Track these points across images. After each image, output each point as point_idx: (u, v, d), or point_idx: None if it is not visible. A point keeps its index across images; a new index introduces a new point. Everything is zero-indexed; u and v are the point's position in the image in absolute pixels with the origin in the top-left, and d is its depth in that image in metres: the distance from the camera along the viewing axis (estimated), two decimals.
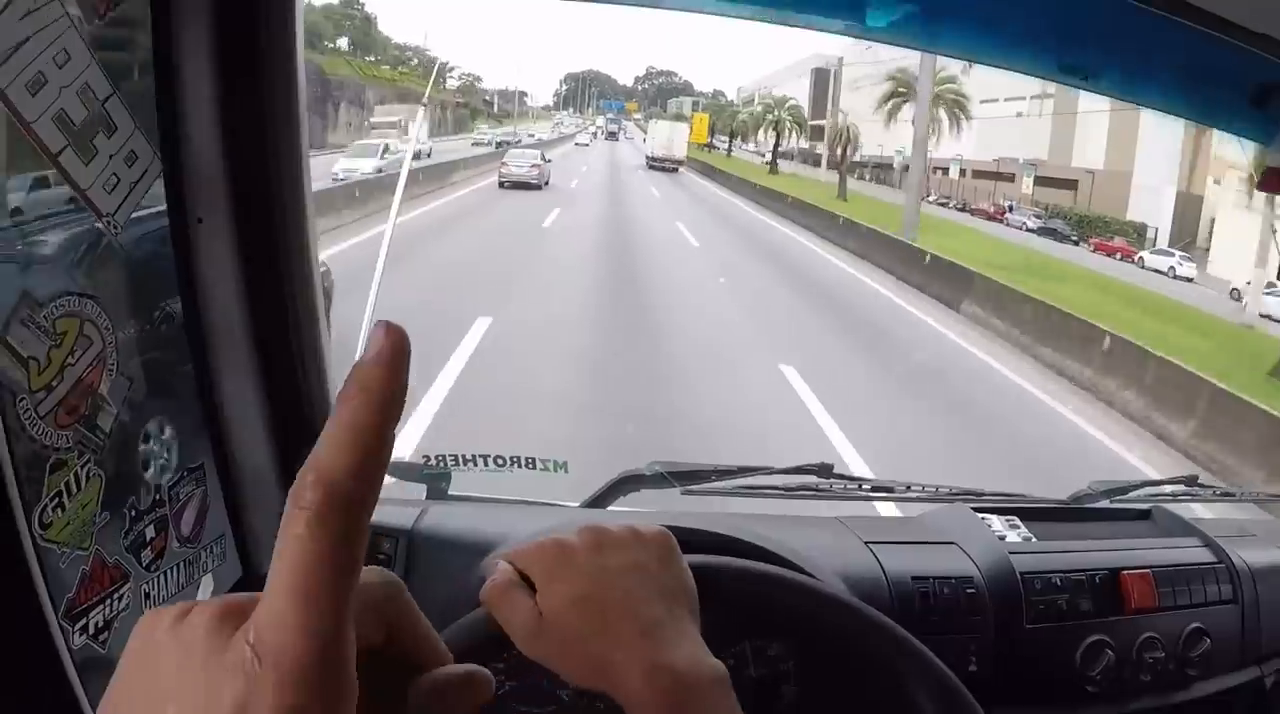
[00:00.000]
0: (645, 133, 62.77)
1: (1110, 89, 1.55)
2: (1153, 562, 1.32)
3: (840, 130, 39.50)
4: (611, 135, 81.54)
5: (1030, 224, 38.56)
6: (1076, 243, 36.43)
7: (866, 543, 1.21)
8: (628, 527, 0.64)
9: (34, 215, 0.73)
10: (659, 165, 43.11)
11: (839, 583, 1.09)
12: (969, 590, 1.18)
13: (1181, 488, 1.64)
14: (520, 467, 1.34)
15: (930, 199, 44.42)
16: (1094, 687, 1.21)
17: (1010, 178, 45.00)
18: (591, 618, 0.58)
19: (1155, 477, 1.71)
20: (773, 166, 48.67)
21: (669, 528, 0.66)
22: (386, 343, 0.35)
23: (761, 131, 54.03)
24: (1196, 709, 1.30)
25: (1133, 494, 1.57)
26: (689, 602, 0.62)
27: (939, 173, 49.97)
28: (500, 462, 1.32)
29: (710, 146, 69.83)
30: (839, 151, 39.08)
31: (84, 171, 0.74)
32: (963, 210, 44.10)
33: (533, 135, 57.58)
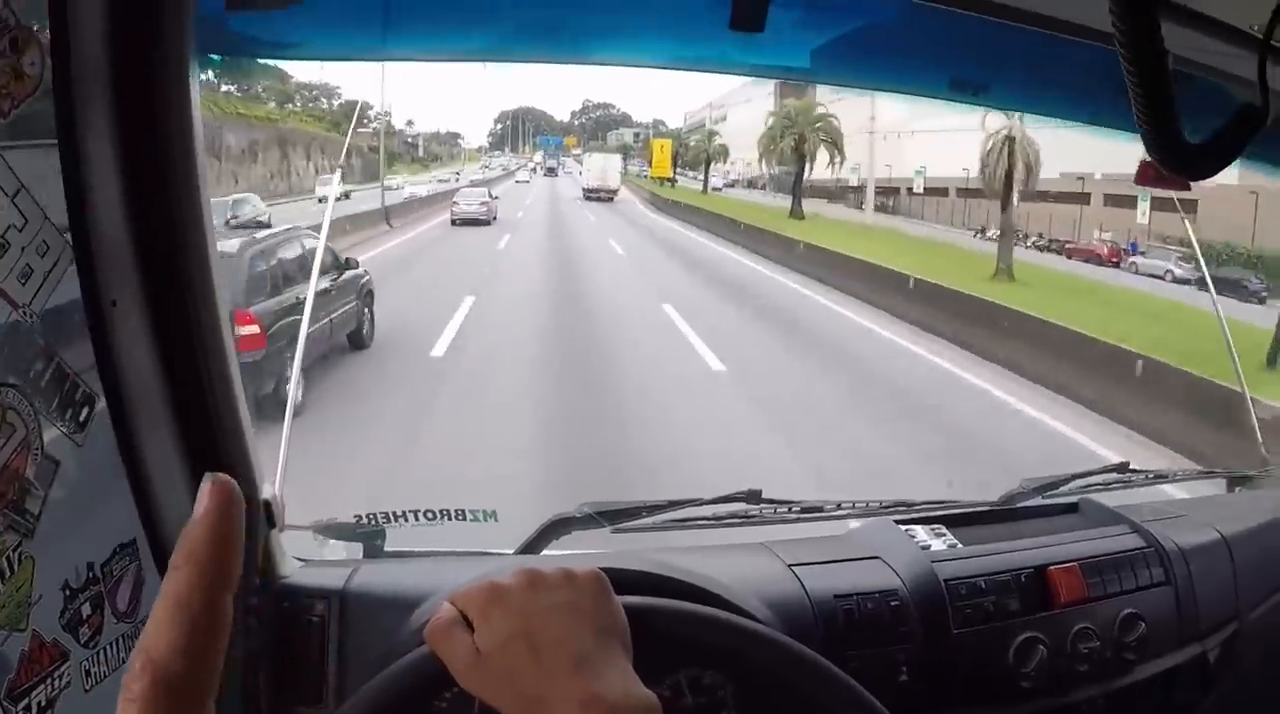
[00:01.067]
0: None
1: (1002, 103, 1.65)
2: (1080, 554, 1.37)
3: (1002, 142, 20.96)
4: (550, 171, 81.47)
5: (1177, 272, 23.05)
6: (1263, 301, 20.76)
7: (790, 565, 1.25)
8: (561, 568, 0.70)
9: None
10: (594, 196, 43.95)
11: (763, 609, 1.12)
12: (893, 603, 1.22)
13: (1114, 476, 1.69)
14: (451, 519, 1.38)
15: (989, 234, 31.31)
16: (1029, 683, 1.25)
17: (1086, 199, 32.44)
18: (526, 654, 0.63)
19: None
20: (795, 208, 34.95)
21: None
22: (212, 504, 0.35)
23: (779, 155, 38.63)
24: (1142, 691, 1.35)
25: (1064, 488, 1.62)
26: (621, 637, 0.67)
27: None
28: (431, 515, 1.37)
29: (672, 181, 58.33)
30: (1004, 175, 20.86)
31: None
32: (1047, 250, 29.83)
33: (428, 186, 41.31)
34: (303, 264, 7.54)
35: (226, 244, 6.91)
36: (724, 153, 57.39)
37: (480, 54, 1.35)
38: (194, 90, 0.97)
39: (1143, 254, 26.45)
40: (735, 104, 62.22)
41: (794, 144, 37.04)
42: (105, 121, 0.91)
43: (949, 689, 1.23)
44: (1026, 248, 29.34)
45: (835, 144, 37.07)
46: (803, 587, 1.21)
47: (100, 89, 0.90)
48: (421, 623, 1.07)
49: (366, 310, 9.42)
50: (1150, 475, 1.83)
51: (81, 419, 0.91)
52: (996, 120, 21.00)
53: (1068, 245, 29.90)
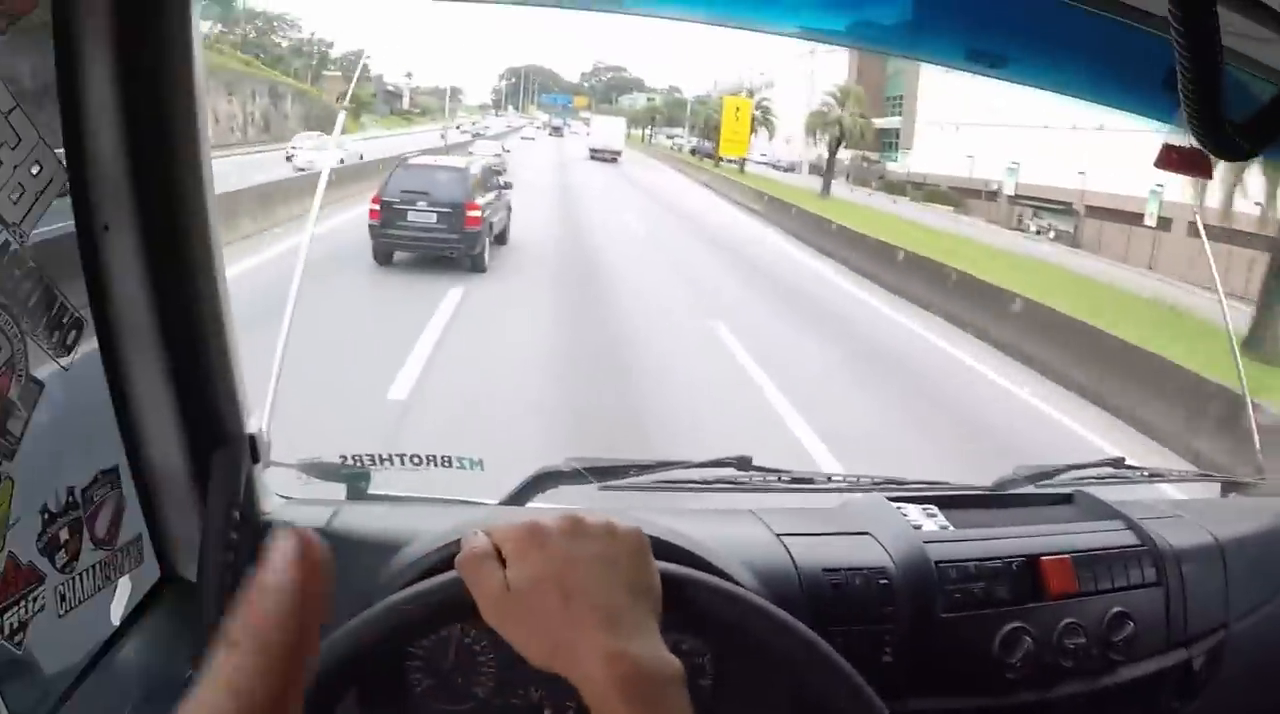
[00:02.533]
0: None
1: (1021, 77, 1.62)
2: (1073, 546, 1.33)
3: None
4: (556, 130, 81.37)
5: None
6: None
7: (779, 535, 1.22)
8: (605, 520, 0.69)
9: None
10: (599, 155, 46.32)
11: (750, 578, 1.11)
12: (881, 581, 1.19)
13: (1109, 470, 1.65)
14: (437, 465, 1.37)
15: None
16: (1013, 674, 1.22)
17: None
18: (555, 599, 0.63)
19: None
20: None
21: None
22: (297, 569, 0.38)
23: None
24: (1124, 693, 1.32)
25: (1058, 478, 1.58)
26: (652, 600, 0.67)
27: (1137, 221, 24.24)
28: (416, 460, 1.35)
29: (727, 160, 43.23)
30: None
31: None
32: None
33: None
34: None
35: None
36: (770, 126, 46.38)
37: None
38: (194, 13, 0.96)
39: None
40: (782, 73, 51.67)
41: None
42: (103, 42, 0.90)
43: (932, 673, 1.21)
44: None
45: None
46: (791, 558, 1.19)
47: (99, 7, 0.89)
48: (404, 564, 1.08)
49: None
50: (1145, 473, 1.79)
51: (69, 343, 0.91)
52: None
53: None
